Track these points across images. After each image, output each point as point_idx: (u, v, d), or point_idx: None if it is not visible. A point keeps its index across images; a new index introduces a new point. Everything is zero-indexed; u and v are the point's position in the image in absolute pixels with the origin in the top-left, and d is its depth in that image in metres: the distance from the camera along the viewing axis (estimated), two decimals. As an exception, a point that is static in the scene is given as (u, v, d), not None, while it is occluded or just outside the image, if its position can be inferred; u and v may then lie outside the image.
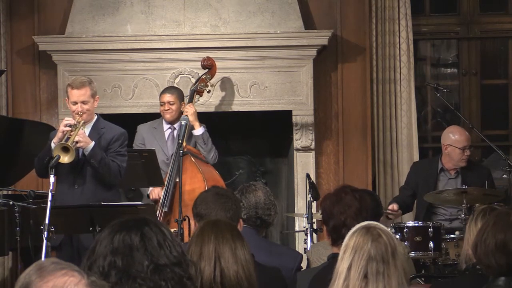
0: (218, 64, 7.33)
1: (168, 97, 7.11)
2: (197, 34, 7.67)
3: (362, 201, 3.92)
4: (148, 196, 7.06)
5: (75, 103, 6.00)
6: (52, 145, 5.83)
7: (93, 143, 5.89)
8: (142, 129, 7.19)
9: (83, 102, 5.99)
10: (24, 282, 2.05)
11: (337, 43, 7.90)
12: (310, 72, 7.66)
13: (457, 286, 3.74)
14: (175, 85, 7.53)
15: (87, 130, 6.05)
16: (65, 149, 5.69)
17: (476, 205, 6.10)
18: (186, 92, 7.35)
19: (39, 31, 7.80)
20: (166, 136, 7.14)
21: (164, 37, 7.65)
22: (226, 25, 7.70)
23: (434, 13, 8.40)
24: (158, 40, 7.64)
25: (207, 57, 7.32)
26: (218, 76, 7.51)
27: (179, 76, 7.69)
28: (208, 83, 7.25)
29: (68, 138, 5.79)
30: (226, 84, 7.69)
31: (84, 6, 7.67)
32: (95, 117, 6.13)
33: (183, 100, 7.17)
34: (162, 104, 7.14)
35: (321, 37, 7.68)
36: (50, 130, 6.54)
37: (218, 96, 7.69)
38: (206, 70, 7.28)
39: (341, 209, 3.87)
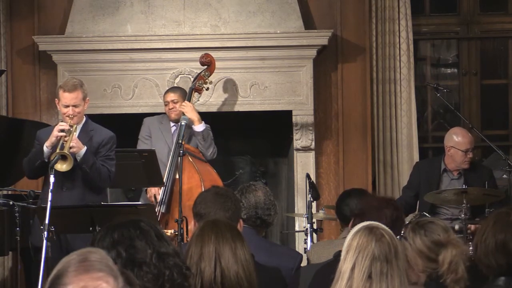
0: (218, 64, 7.33)
1: (171, 96, 7.12)
2: (197, 34, 7.67)
3: (393, 223, 3.87)
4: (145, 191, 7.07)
5: (67, 106, 5.98)
6: (45, 148, 5.81)
7: (85, 148, 5.87)
8: (149, 122, 7.20)
9: (75, 106, 5.97)
10: (63, 268, 2.00)
11: (337, 43, 7.90)
12: (310, 72, 7.66)
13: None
14: (175, 85, 7.53)
15: (76, 132, 6.04)
16: (63, 157, 5.68)
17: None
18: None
19: (39, 31, 7.80)
20: (172, 131, 7.14)
21: (164, 37, 7.65)
22: (226, 25, 7.70)
23: (434, 13, 8.40)
24: (158, 40, 7.64)
25: (206, 53, 7.31)
26: (218, 76, 7.51)
27: (179, 76, 7.69)
28: (206, 80, 7.23)
29: (63, 145, 5.76)
30: (226, 84, 7.69)
31: (84, 6, 7.67)
32: (84, 119, 6.12)
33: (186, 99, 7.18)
34: (166, 103, 7.14)
35: (321, 37, 7.68)
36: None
37: (218, 96, 7.69)
38: (205, 67, 7.27)
39: (373, 215, 3.84)
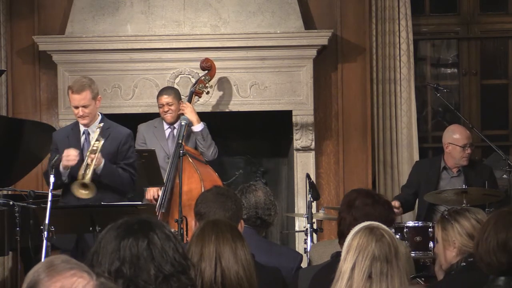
0: (218, 64, 7.33)
1: (165, 99, 7.09)
2: (197, 34, 7.67)
3: (387, 214, 3.88)
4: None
5: (76, 107, 5.99)
6: (62, 170, 5.79)
7: (103, 161, 5.84)
8: (143, 129, 7.19)
9: (84, 106, 5.97)
10: (32, 279, 2.03)
11: (337, 43, 7.90)
12: (310, 72, 7.66)
13: (455, 285, 3.74)
14: (175, 85, 7.52)
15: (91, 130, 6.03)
16: (84, 185, 5.70)
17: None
18: (186, 93, 7.35)
19: (39, 31, 7.80)
20: (167, 135, 7.13)
21: (164, 37, 7.65)
22: (226, 25, 7.70)
23: (434, 13, 8.40)
24: (158, 40, 7.64)
25: (206, 58, 7.32)
26: (218, 76, 7.51)
27: (179, 76, 7.69)
28: (207, 85, 7.25)
29: (86, 169, 5.75)
30: (226, 84, 7.69)
31: (84, 6, 7.67)
32: (99, 117, 6.10)
33: (180, 98, 7.16)
34: (160, 106, 7.11)
35: (321, 37, 7.68)
36: (50, 130, 6.52)
37: (218, 96, 7.69)
38: (205, 72, 7.28)
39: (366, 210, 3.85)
